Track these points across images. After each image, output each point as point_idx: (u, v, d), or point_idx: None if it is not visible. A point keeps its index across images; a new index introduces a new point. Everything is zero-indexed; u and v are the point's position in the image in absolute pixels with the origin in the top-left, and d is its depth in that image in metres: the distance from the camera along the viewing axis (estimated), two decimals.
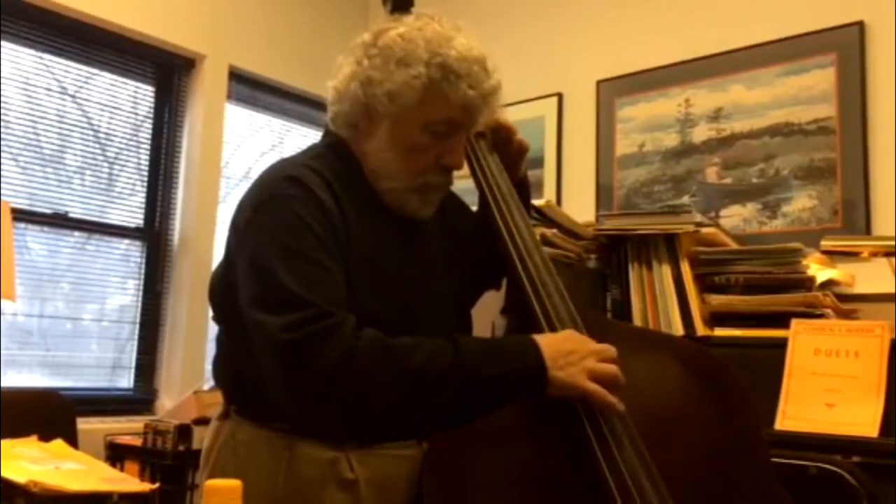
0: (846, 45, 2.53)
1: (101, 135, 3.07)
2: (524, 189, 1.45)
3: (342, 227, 1.17)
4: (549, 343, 1.13)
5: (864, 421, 1.74)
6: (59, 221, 2.93)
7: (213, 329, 3.28)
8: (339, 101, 1.25)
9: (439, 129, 1.20)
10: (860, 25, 2.51)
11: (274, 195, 1.18)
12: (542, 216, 2.18)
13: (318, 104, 3.67)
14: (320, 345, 1.05)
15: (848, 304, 2.15)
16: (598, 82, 3.08)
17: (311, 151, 1.31)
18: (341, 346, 1.05)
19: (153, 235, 3.18)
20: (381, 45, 1.21)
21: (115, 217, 3.09)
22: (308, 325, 1.06)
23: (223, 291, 1.26)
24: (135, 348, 3.11)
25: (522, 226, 1.30)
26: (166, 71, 3.25)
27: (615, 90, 3.03)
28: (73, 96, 2.99)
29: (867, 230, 2.41)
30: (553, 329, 1.20)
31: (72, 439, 2.29)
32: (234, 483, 0.79)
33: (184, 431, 2.61)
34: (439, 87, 1.18)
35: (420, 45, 1.18)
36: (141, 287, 3.14)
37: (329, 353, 1.05)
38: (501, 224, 1.30)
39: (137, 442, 2.70)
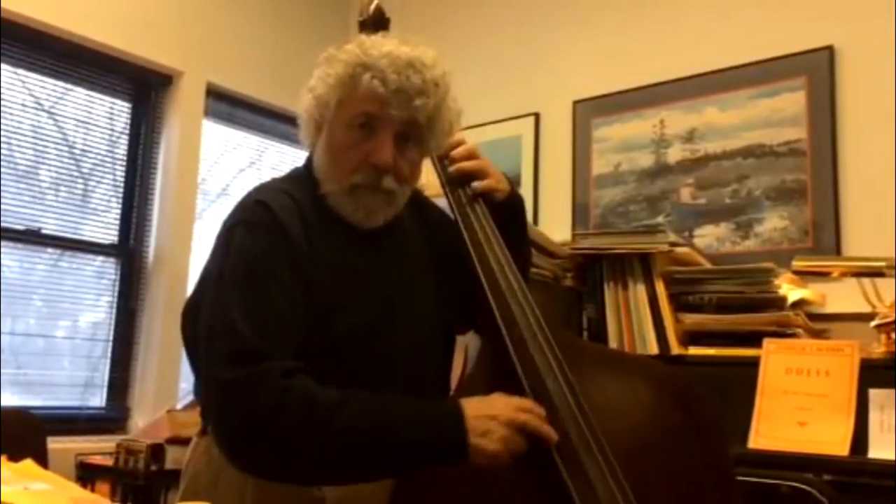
0: (816, 69, 2.58)
1: (77, 150, 3.05)
2: (512, 213, 1.42)
3: (306, 251, 1.19)
4: (474, 410, 1.12)
5: (834, 439, 1.76)
6: (33, 237, 2.90)
7: None
8: (301, 118, 1.31)
9: (359, 123, 1.22)
10: (830, 50, 2.56)
11: (241, 221, 1.21)
12: None
13: (296, 121, 3.66)
14: (248, 394, 1.08)
15: (819, 323, 2.18)
16: (575, 103, 3.11)
17: (292, 172, 1.35)
18: (267, 400, 1.07)
19: (128, 252, 3.15)
20: (325, 57, 1.27)
21: (90, 233, 3.06)
22: (241, 366, 1.09)
23: (194, 310, 1.28)
24: (107, 366, 3.07)
25: (499, 254, 1.30)
26: (143, 87, 3.24)
27: (591, 111, 3.07)
28: (48, 112, 2.97)
29: (837, 250, 2.44)
30: (527, 362, 1.20)
31: (42, 459, 2.25)
32: None
33: (156, 451, 2.58)
34: (349, 82, 1.21)
35: (349, 51, 1.23)
36: (115, 304, 3.10)
37: (255, 407, 1.07)
38: (473, 252, 1.31)
39: (109, 462, 2.66)
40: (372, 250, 1.27)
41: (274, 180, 1.33)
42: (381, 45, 1.22)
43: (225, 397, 1.10)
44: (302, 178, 1.30)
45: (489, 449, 1.10)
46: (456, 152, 1.39)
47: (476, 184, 1.37)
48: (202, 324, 1.18)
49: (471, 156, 1.39)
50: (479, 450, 1.10)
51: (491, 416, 1.12)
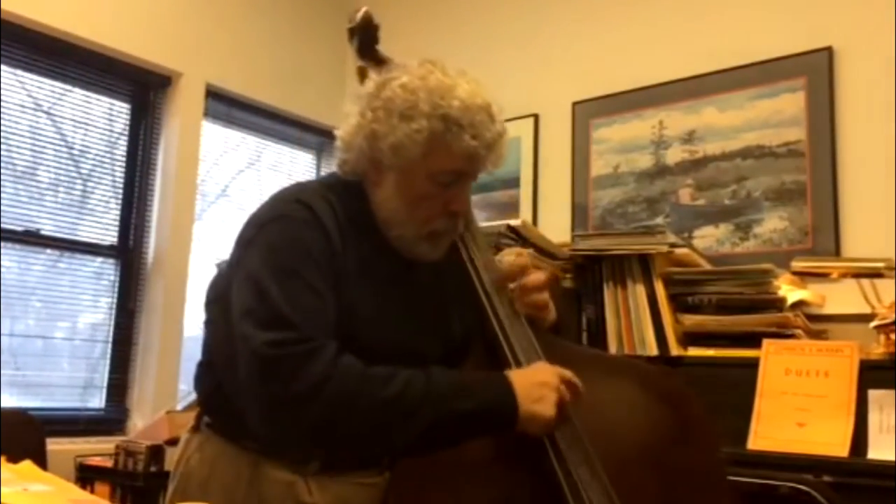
0: (815, 70, 2.58)
1: (76, 151, 3.05)
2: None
3: (342, 256, 1.19)
4: (522, 378, 1.14)
5: (834, 440, 1.76)
6: (31, 238, 2.90)
7: (186, 348, 3.26)
8: (345, 150, 1.27)
9: (445, 179, 1.21)
10: (829, 51, 2.56)
11: (281, 216, 1.20)
12: (518, 236, 2.20)
13: (295, 122, 3.68)
14: (298, 367, 1.07)
15: (818, 324, 2.18)
16: (574, 104, 3.11)
17: (327, 180, 1.34)
18: (318, 371, 1.07)
19: (127, 253, 3.15)
20: (384, 97, 1.21)
21: (88, 234, 3.06)
22: (291, 345, 1.08)
23: (217, 299, 1.28)
24: (107, 367, 3.07)
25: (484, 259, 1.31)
26: (143, 88, 3.24)
27: (590, 111, 3.07)
28: (47, 112, 2.97)
29: (836, 251, 2.44)
30: (515, 356, 1.21)
31: (41, 460, 2.25)
32: None
33: (156, 452, 2.58)
34: (442, 139, 1.18)
35: (422, 97, 1.18)
36: (114, 305, 3.10)
37: (305, 377, 1.06)
38: (466, 256, 1.31)
39: (108, 463, 2.66)
40: (400, 271, 1.27)
41: (309, 183, 1.32)
42: (451, 91, 1.19)
43: (273, 374, 1.07)
44: (336, 187, 1.28)
45: (545, 415, 1.11)
46: (530, 281, 1.30)
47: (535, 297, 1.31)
48: (237, 308, 1.16)
49: (543, 288, 1.33)
50: (534, 416, 1.11)
51: (541, 382, 1.13)
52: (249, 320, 1.12)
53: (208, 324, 1.31)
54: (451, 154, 1.19)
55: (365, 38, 1.45)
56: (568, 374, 1.17)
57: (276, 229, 1.18)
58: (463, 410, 1.10)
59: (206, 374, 1.31)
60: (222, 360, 1.24)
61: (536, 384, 1.13)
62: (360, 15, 1.46)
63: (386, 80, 1.23)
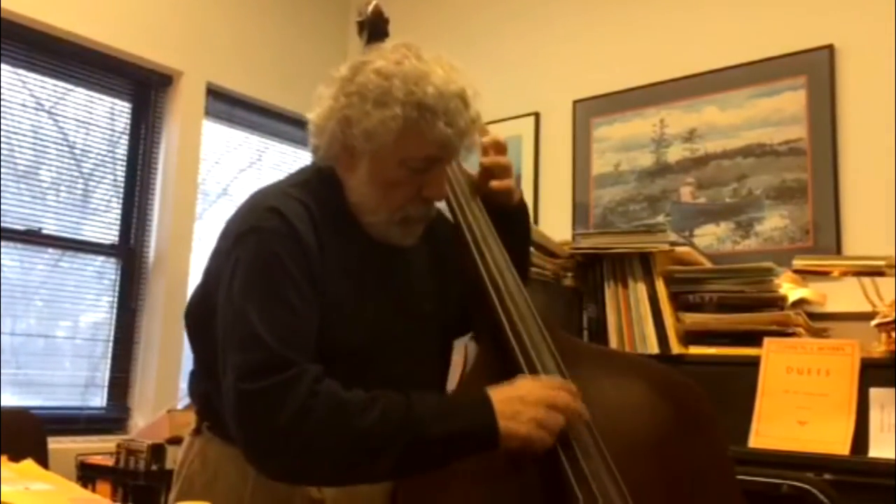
0: (816, 68, 2.58)
1: (77, 151, 3.05)
2: (517, 218, 1.42)
3: (319, 261, 1.17)
4: (501, 394, 1.12)
5: (835, 438, 1.76)
6: (33, 238, 2.90)
7: (187, 347, 3.25)
8: (318, 135, 1.25)
9: (418, 165, 1.20)
10: (830, 49, 2.56)
11: (254, 228, 1.17)
12: None
13: (296, 121, 3.67)
14: (274, 401, 1.06)
15: (819, 322, 2.18)
16: (575, 102, 3.11)
17: (300, 175, 1.31)
18: (295, 404, 1.05)
19: (128, 252, 3.15)
20: (358, 82, 1.19)
21: (90, 233, 3.06)
22: (266, 377, 1.07)
23: (196, 310, 1.27)
24: (108, 366, 3.07)
25: (497, 254, 1.30)
26: (143, 87, 3.24)
27: (591, 110, 3.07)
28: (49, 112, 2.97)
29: (837, 250, 2.44)
30: (527, 358, 1.20)
31: (42, 459, 2.25)
32: None
33: (157, 451, 2.58)
34: (416, 126, 1.16)
35: (396, 84, 1.16)
36: (115, 304, 3.10)
37: (282, 411, 1.05)
38: (475, 251, 1.30)
39: (109, 462, 2.66)
40: (383, 261, 1.26)
41: (282, 184, 1.29)
42: (426, 77, 1.17)
43: (251, 408, 1.07)
44: (310, 182, 1.26)
45: (520, 432, 1.09)
46: (486, 141, 1.34)
47: (496, 183, 1.34)
48: (220, 333, 1.15)
49: (501, 149, 1.36)
50: (510, 433, 1.09)
51: (519, 396, 1.11)
52: (228, 347, 1.12)
53: (190, 337, 1.31)
54: (424, 141, 1.18)
55: (374, 31, 1.45)
56: (556, 381, 1.15)
57: (250, 244, 1.16)
58: (442, 435, 1.09)
59: (197, 383, 1.30)
60: (204, 371, 1.24)
61: (514, 399, 1.10)
62: (370, 8, 1.46)
63: (360, 65, 1.21)
